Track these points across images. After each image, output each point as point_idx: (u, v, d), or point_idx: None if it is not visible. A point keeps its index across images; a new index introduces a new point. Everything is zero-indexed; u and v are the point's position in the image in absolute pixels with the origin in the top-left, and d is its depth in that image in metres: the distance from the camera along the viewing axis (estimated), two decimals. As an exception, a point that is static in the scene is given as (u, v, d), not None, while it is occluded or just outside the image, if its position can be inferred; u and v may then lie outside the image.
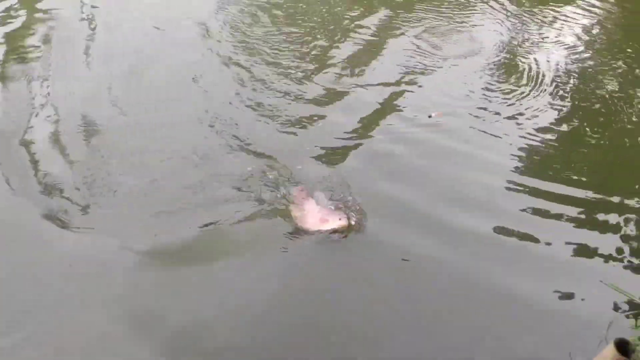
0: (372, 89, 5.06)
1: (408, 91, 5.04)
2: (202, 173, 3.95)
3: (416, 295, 3.16)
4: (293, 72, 5.24)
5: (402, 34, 5.95)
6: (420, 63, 5.45)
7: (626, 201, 3.73)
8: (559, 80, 5.18)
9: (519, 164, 4.14)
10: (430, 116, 4.65)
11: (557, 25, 6.28)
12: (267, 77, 5.15)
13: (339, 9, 6.40)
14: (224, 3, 6.44)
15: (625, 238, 3.43)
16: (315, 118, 4.62)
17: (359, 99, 4.93)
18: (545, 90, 5.03)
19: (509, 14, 6.39)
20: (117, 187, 3.83)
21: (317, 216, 3.45)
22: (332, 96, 4.95)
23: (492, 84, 5.13)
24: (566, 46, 5.81)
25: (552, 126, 4.59)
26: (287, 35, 5.81)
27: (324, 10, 6.36)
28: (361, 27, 6.04)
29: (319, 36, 5.84)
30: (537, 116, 4.71)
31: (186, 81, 5.07)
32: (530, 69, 5.36)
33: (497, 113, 4.74)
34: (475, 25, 6.16)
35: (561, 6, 6.66)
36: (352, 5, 6.49)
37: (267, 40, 5.71)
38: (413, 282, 3.22)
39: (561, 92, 5.01)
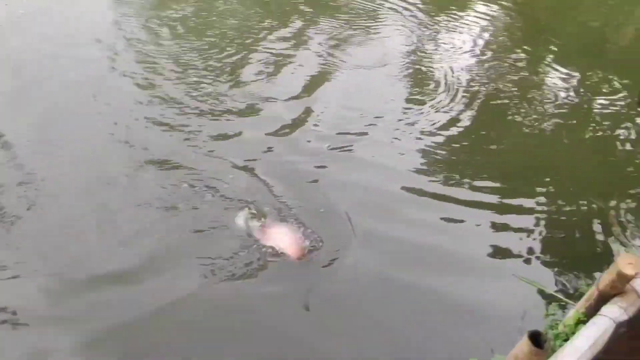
0: (284, 103, 5.00)
1: (321, 103, 5.03)
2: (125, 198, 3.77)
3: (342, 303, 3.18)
4: (204, 87, 5.10)
5: (315, 45, 5.97)
6: (332, 74, 5.47)
7: (529, 204, 3.90)
8: (465, 86, 5.38)
9: (429, 172, 4.25)
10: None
11: (460, 30, 6.57)
12: (176, 93, 4.98)
13: (251, 22, 6.33)
14: (123, 18, 6.19)
15: (533, 236, 3.61)
16: (230, 133, 4.52)
17: (270, 113, 4.86)
18: (453, 96, 5.20)
19: (417, 22, 6.63)
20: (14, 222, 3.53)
21: (295, 244, 3.43)
22: (245, 111, 4.86)
23: (402, 93, 5.25)
24: (471, 51, 6.08)
25: (458, 132, 4.73)
26: (197, 50, 5.67)
27: (234, 22, 6.28)
28: (273, 39, 6.00)
29: (229, 49, 5.73)
30: (445, 123, 4.84)
31: (86, 99, 4.79)
32: (439, 75, 5.53)
33: (409, 123, 4.83)
34: (386, 36, 6.29)
35: (462, 14, 7.03)
36: (264, 17, 6.47)
37: (174, 55, 5.54)
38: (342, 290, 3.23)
39: (466, 97, 5.20)
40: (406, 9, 6.94)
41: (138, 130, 4.47)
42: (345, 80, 5.43)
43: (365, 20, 6.60)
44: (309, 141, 4.52)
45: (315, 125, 4.73)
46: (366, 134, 4.64)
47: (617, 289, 2.13)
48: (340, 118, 4.83)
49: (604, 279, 2.16)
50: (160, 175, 4.03)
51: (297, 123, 4.75)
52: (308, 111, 4.91)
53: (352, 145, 4.47)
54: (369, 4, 7.02)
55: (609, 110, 5.19)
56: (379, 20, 6.66)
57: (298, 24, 6.39)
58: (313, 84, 5.31)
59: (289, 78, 5.43)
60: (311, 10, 6.73)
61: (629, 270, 2.02)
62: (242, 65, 5.52)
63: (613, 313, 2.07)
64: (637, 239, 3.54)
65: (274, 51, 5.80)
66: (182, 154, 4.24)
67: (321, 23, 6.44)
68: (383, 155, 4.37)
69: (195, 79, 5.22)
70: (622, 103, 5.30)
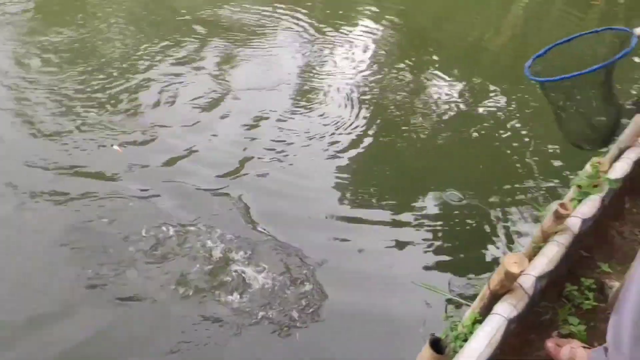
0: (179, 130, 4.83)
1: (218, 128, 4.90)
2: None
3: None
4: (90, 117, 4.83)
5: (210, 67, 5.87)
6: (228, 97, 5.36)
7: (422, 215, 4.03)
8: (359, 101, 5.53)
9: (330, 193, 4.30)
10: (112, 145, 4.49)
11: (351, 46, 6.80)
12: (59, 126, 4.67)
13: (141, 46, 6.10)
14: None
15: (429, 246, 3.76)
16: (124, 164, 4.31)
17: (162, 142, 4.65)
18: (349, 114, 5.31)
19: (309, 39, 6.76)
20: None
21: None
22: (138, 140, 4.66)
23: (299, 113, 5.31)
24: (362, 67, 6.29)
25: (356, 151, 4.81)
26: (80, 78, 5.37)
27: (122, 47, 6.03)
28: (165, 63, 5.83)
29: (117, 75, 5.49)
30: (342, 142, 4.86)
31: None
32: (334, 92, 5.65)
33: (306, 145, 4.82)
34: (280, 55, 6.35)
35: (352, 28, 7.31)
36: (154, 40, 6.26)
37: (55, 85, 5.21)
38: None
39: (362, 113, 5.35)
40: (298, 26, 7.08)
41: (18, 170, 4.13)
42: (242, 103, 5.34)
43: (259, 39, 6.63)
44: (206, 167, 4.40)
45: (212, 150, 4.61)
46: (263, 158, 4.60)
47: (506, 287, 2.25)
48: (236, 144, 4.74)
49: (493, 279, 2.28)
50: (51, 209, 3.76)
51: (193, 150, 4.60)
52: (204, 137, 4.77)
53: (248, 173, 4.36)
54: (262, 22, 7.08)
55: (493, 114, 5.59)
56: (272, 39, 6.72)
57: (191, 46, 6.26)
58: (209, 109, 5.19)
59: (184, 104, 5.24)
60: (205, 30, 6.64)
61: (514, 269, 2.14)
62: (133, 92, 5.29)
63: (504, 311, 2.18)
64: (522, 238, 3.80)
65: (166, 76, 5.61)
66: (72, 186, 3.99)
67: (215, 44, 6.37)
68: (280, 180, 4.35)
69: (81, 109, 4.93)
70: (502, 105, 5.75)
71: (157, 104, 5.17)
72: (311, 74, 5.99)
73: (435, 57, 6.80)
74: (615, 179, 2.92)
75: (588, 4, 11.13)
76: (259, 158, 4.56)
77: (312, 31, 7.03)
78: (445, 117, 5.42)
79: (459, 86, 6.15)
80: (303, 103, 5.45)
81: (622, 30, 2.87)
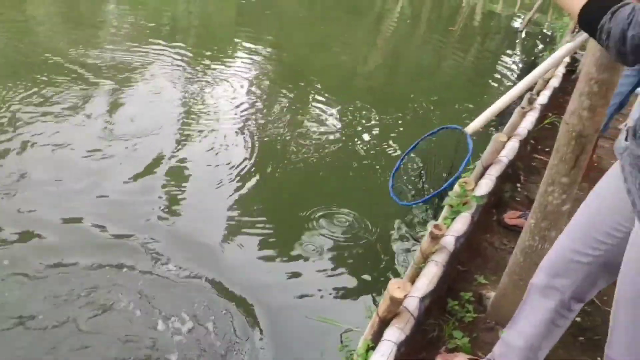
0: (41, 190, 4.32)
1: (95, 187, 4.35)
2: None
3: None
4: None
5: (80, 117, 5.49)
6: (105, 149, 4.90)
7: (309, 244, 4.03)
8: (240, 136, 5.51)
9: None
10: None
11: (229, 81, 6.80)
12: None
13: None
14: None
15: (320, 275, 3.80)
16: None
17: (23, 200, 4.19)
18: (232, 149, 5.25)
19: (187, 77, 6.66)
20: None
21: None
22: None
23: (180, 151, 5.12)
24: (242, 101, 6.30)
25: (241, 184, 4.75)
26: None
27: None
28: (30, 109, 5.40)
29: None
30: (229, 180, 4.73)
31: None
32: (214, 128, 5.56)
33: (195, 180, 4.71)
34: (156, 92, 6.17)
35: (229, 64, 7.34)
36: (19, 83, 5.79)
37: None
38: None
39: (248, 147, 5.33)
40: (175, 64, 6.97)
41: None
42: (125, 150, 4.98)
43: (136, 80, 6.41)
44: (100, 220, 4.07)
45: (97, 213, 4.25)
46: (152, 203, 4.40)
47: (393, 312, 2.33)
48: (125, 204, 4.33)
49: (381, 305, 2.35)
50: None
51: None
52: (77, 200, 4.36)
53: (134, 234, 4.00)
54: (137, 62, 6.87)
55: (375, 137, 5.85)
56: (150, 79, 6.54)
57: (66, 91, 5.85)
58: (90, 158, 4.82)
59: (50, 158, 4.70)
60: (79, 73, 6.29)
61: (398, 294, 2.23)
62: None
63: (393, 336, 2.25)
64: (403, 255, 3.98)
65: (34, 123, 5.19)
66: None
67: (90, 87, 6.05)
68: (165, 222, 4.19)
69: None
70: (381, 129, 6.05)
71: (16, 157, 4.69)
72: (193, 112, 5.89)
73: (313, 85, 7.03)
74: (481, 196, 3.17)
75: (447, 30, 12.18)
76: (146, 201, 4.33)
77: (189, 69, 6.95)
78: (327, 143, 5.58)
79: (338, 112, 6.39)
80: (186, 143, 5.31)
81: (455, 128, 3.53)
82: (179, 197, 4.44)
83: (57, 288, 3.33)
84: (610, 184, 1.72)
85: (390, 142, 5.77)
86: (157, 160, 4.87)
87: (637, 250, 1.50)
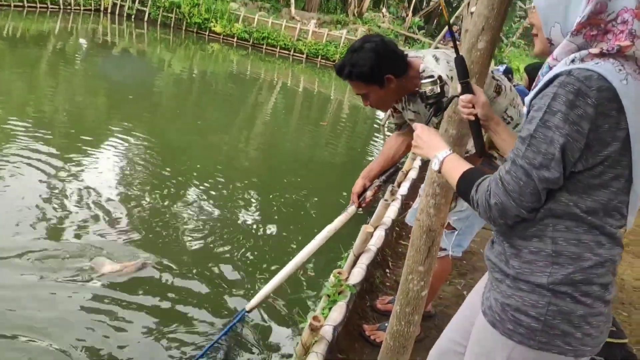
0: None
1: None
2: None
3: None
4: None
5: None
6: None
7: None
8: (116, 226, 5.29)
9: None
10: None
11: (99, 170, 6.60)
12: None
13: None
14: None
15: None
16: None
17: None
18: (106, 243, 5.06)
19: (52, 174, 6.37)
20: None
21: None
22: None
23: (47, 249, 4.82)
24: (117, 191, 6.10)
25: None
26: None
27: None
28: None
29: None
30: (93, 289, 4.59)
31: None
32: (85, 224, 5.33)
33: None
34: (21, 198, 5.82)
35: (98, 152, 7.18)
36: None
37: None
38: None
39: (123, 238, 5.16)
40: (36, 158, 6.65)
41: None
42: None
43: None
44: None
45: None
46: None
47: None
48: None
49: (303, 336, 2.50)
50: None
51: None
52: None
53: None
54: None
55: (256, 221, 5.98)
56: (11, 178, 6.17)
57: None
58: None
59: None
60: None
61: (315, 322, 2.39)
62: None
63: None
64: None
65: None
66: None
67: None
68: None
69: None
70: (262, 208, 6.22)
71: None
72: (62, 206, 5.62)
73: (189, 172, 7.13)
74: (354, 284, 3.43)
75: (318, 123, 13.07)
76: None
77: (55, 162, 6.67)
78: (208, 225, 5.61)
79: (220, 193, 6.54)
80: (52, 236, 5.02)
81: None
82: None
83: None
84: (485, 280, 1.94)
85: (269, 225, 5.95)
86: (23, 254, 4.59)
87: (476, 339, 1.77)
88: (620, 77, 1.37)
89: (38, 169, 6.34)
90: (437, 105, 2.19)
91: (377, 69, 2.70)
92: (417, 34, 21.15)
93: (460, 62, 2.01)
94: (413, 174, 6.14)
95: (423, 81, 2.16)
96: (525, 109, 1.59)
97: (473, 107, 1.93)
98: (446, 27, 3.79)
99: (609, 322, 1.62)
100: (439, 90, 2.12)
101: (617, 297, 4.75)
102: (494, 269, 1.71)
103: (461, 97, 1.96)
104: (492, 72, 2.87)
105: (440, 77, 2.20)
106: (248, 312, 3.51)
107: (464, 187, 1.67)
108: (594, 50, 1.42)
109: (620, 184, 1.46)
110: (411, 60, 2.85)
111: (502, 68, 6.76)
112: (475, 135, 2.01)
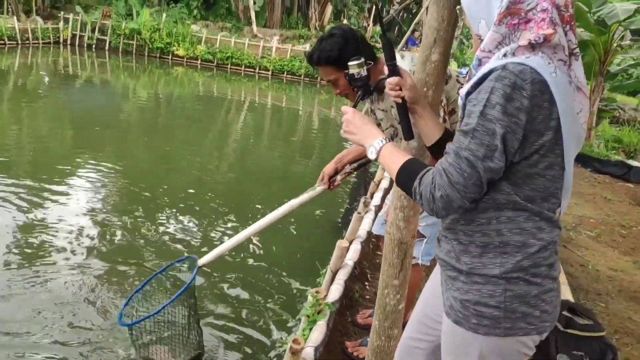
0: None
1: None
2: None
3: None
4: None
5: None
6: None
7: None
8: (87, 262, 5.23)
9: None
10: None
11: (71, 204, 6.47)
12: None
13: None
14: None
15: None
16: None
17: None
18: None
19: (23, 212, 6.22)
20: None
21: None
22: None
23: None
24: (91, 224, 5.98)
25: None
26: None
27: None
28: None
29: None
30: None
31: None
32: (58, 259, 5.22)
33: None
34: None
35: (72, 186, 7.05)
36: None
37: None
38: None
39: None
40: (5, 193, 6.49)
41: None
42: None
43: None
44: None
45: None
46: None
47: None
48: None
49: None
50: None
51: None
52: None
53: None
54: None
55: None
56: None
57: None
58: None
59: None
60: None
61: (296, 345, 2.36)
62: None
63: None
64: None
65: None
66: None
67: None
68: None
69: None
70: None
71: None
72: (36, 239, 5.48)
73: (161, 197, 7.04)
74: (333, 302, 3.41)
75: (289, 139, 13.08)
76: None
77: (24, 203, 6.52)
78: (186, 251, 5.52)
79: (194, 215, 6.48)
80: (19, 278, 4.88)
81: (189, 258, 3.43)
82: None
83: None
84: (437, 273, 2.00)
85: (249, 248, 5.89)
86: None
87: (445, 340, 1.80)
88: (549, 70, 1.44)
89: (8, 205, 6.19)
90: (364, 89, 2.19)
91: (345, 53, 2.71)
92: (379, 43, 21.30)
93: (387, 44, 2.00)
94: (385, 184, 6.16)
95: (350, 63, 2.17)
96: (460, 101, 1.63)
97: (400, 89, 1.94)
98: (408, 33, 3.85)
99: (559, 297, 1.69)
100: (365, 73, 2.13)
101: (593, 288, 4.84)
102: (446, 267, 1.76)
103: (388, 79, 1.96)
104: (457, 75, 2.94)
105: (365, 62, 2.22)
106: (201, 267, 3.27)
107: (405, 178, 1.67)
108: (523, 42, 1.46)
109: (555, 171, 1.54)
110: (380, 56, 2.90)
111: (465, 70, 6.89)
112: (402, 117, 2.00)
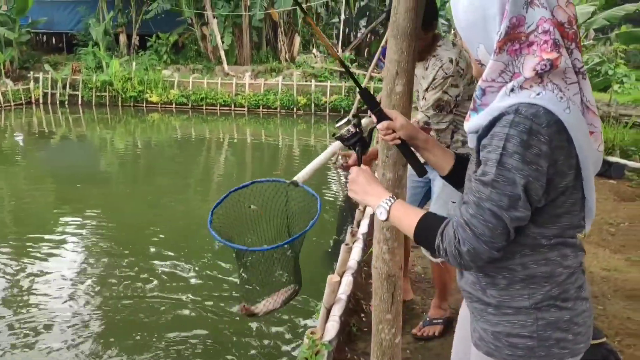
0: None
1: None
2: None
3: None
4: None
5: None
6: None
7: None
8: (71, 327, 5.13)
9: None
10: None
11: (56, 256, 6.37)
12: None
13: None
14: None
15: None
16: None
17: None
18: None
19: (15, 268, 6.09)
20: None
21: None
22: None
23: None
24: (77, 280, 5.91)
25: None
26: None
27: None
28: None
29: None
30: None
31: None
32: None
33: None
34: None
35: (59, 243, 6.94)
36: None
37: None
38: None
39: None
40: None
41: None
42: None
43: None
44: None
45: None
46: None
47: None
48: None
49: None
50: None
51: None
52: None
53: None
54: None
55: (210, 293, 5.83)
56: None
57: None
58: None
59: None
60: None
61: None
62: None
63: None
64: None
65: None
66: None
67: None
68: None
69: None
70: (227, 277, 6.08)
71: None
72: (25, 303, 5.35)
73: (151, 247, 6.96)
74: (329, 341, 3.34)
75: (272, 173, 13.06)
76: None
77: (10, 263, 6.39)
78: (181, 299, 5.44)
79: (183, 262, 6.46)
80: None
81: (275, 181, 3.02)
82: None
83: None
84: (464, 308, 1.94)
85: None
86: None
87: None
88: (563, 107, 1.37)
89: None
90: (361, 142, 2.05)
91: (427, 10, 2.53)
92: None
93: (365, 94, 1.96)
94: (371, 210, 6.13)
95: (337, 124, 2.02)
96: (471, 144, 1.58)
97: (394, 131, 1.90)
98: (377, 55, 3.97)
99: (592, 316, 1.66)
100: (353, 130, 1.98)
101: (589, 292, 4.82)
102: (471, 299, 1.70)
103: (378, 126, 1.92)
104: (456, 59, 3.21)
105: (353, 116, 2.02)
106: (296, 185, 2.97)
107: (424, 236, 1.61)
108: (528, 72, 1.38)
109: (579, 205, 1.53)
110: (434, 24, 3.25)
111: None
112: (408, 157, 1.97)
